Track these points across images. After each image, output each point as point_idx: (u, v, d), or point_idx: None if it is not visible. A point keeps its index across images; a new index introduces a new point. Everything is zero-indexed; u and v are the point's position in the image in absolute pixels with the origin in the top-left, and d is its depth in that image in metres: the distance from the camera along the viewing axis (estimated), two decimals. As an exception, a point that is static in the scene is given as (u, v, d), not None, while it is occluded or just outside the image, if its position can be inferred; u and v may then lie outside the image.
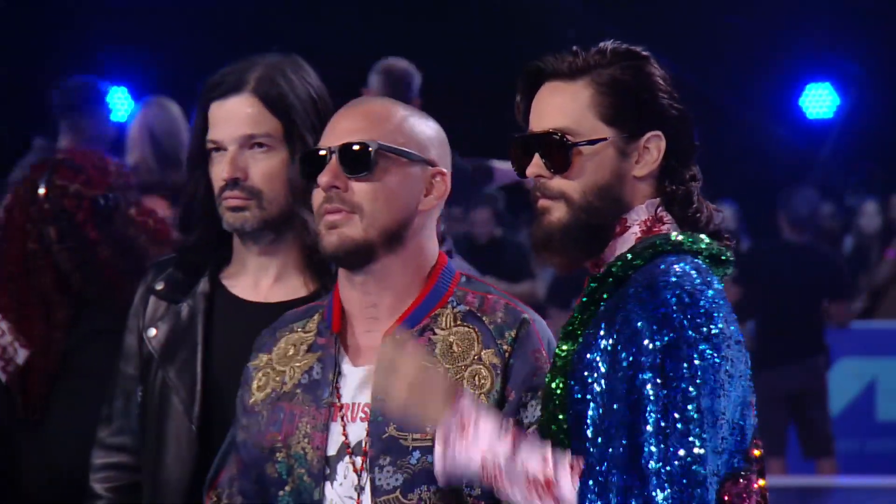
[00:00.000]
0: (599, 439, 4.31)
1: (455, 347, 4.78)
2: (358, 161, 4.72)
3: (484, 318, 4.81)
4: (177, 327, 5.46)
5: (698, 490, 4.22)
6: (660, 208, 4.52)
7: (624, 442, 4.25)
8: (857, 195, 20.50)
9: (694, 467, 4.23)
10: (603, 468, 4.28)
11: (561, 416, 4.44)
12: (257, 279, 5.46)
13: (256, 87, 5.31)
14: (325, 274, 5.28)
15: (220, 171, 5.29)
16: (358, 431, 4.74)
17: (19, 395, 6.59)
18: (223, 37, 18.76)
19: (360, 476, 4.72)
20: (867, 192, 21.20)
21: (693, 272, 4.36)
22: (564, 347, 4.47)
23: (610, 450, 4.27)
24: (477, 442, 4.52)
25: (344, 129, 4.82)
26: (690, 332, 4.27)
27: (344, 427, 4.76)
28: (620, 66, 4.51)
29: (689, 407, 4.22)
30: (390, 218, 4.77)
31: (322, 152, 4.76)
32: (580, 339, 4.44)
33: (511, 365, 4.75)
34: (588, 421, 4.37)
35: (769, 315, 16.50)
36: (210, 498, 5.08)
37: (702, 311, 4.30)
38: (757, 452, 4.46)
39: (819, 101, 22.57)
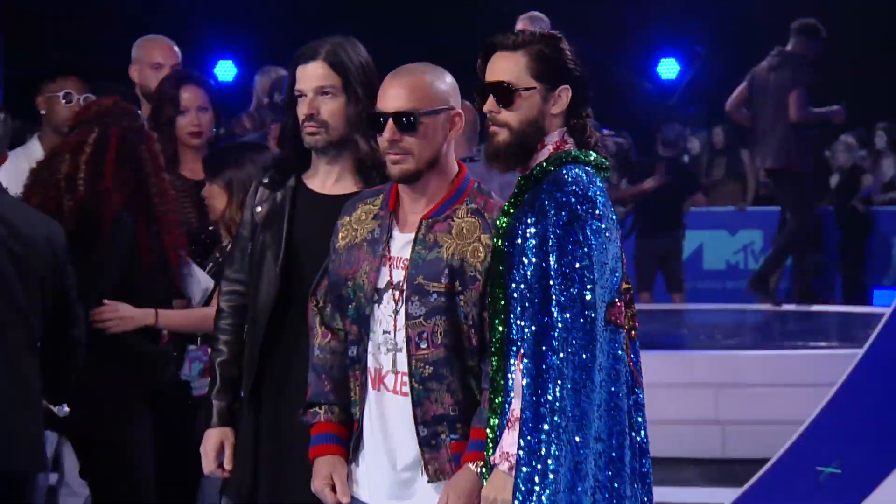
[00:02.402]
0: (525, 281, 4.74)
1: (465, 231, 4.96)
2: (407, 124, 4.92)
3: (485, 214, 4.98)
4: (273, 207, 5.54)
5: (590, 311, 4.66)
6: (565, 134, 4.89)
7: (537, 285, 4.71)
8: (689, 128, 20.26)
9: (587, 297, 4.67)
10: (526, 297, 4.73)
11: (501, 267, 4.81)
12: (324, 179, 5.54)
13: (325, 56, 5.43)
14: (368, 177, 5.45)
15: (302, 109, 5.43)
16: (399, 275, 4.96)
17: None
18: (306, 16, 18.15)
19: (396, 304, 4.95)
20: (694, 126, 21.23)
21: (583, 175, 4.78)
22: (504, 220, 4.85)
23: (527, 294, 4.73)
24: None
25: (394, 96, 4.98)
26: (582, 213, 4.70)
27: (390, 271, 4.99)
28: (545, 43, 4.89)
29: (584, 259, 4.67)
30: (430, 153, 4.95)
31: (381, 116, 4.96)
32: (512, 215, 4.84)
33: (494, 246, 4.92)
34: (513, 273, 4.77)
35: (651, 203, 17.15)
36: (312, 301, 5.24)
37: (589, 199, 4.73)
38: (626, 285, 4.89)
39: (669, 68, 22.85)
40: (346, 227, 5.10)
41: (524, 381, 4.62)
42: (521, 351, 4.67)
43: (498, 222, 4.83)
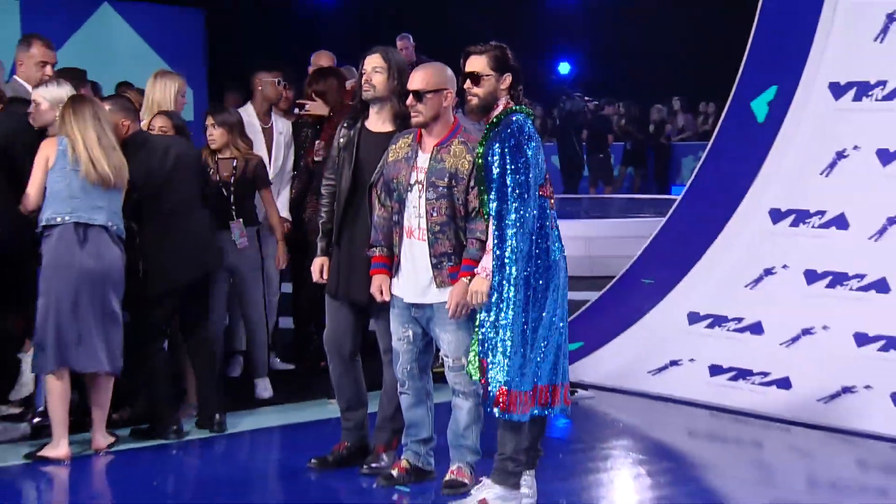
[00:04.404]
0: (494, 178, 4.59)
1: (457, 153, 4.80)
2: (419, 97, 4.78)
3: (469, 144, 4.80)
4: (349, 139, 5.23)
5: (528, 192, 4.57)
6: (509, 99, 4.71)
7: (500, 181, 4.57)
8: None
9: (529, 182, 4.57)
10: (494, 193, 4.59)
11: (483, 173, 4.64)
12: (375, 122, 5.22)
13: (380, 52, 5.19)
14: (399, 123, 5.14)
15: (364, 79, 5.19)
16: (421, 176, 4.83)
17: None
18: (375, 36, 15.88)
19: (420, 192, 4.83)
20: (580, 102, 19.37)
21: (521, 119, 4.65)
22: (480, 147, 4.70)
23: (496, 184, 4.59)
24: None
25: (414, 81, 4.85)
26: (522, 139, 4.59)
27: (416, 175, 4.84)
28: (498, 49, 4.72)
29: (524, 164, 4.57)
30: (432, 113, 4.80)
31: (410, 92, 4.83)
32: (484, 144, 4.67)
33: (474, 162, 4.76)
34: (489, 175, 4.60)
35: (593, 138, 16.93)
36: (374, 191, 5.07)
37: (526, 132, 4.61)
38: (546, 177, 4.70)
39: (565, 68, 21.48)
40: (394, 150, 4.95)
41: (494, 230, 4.58)
42: (492, 214, 4.59)
43: (478, 149, 4.68)
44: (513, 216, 4.54)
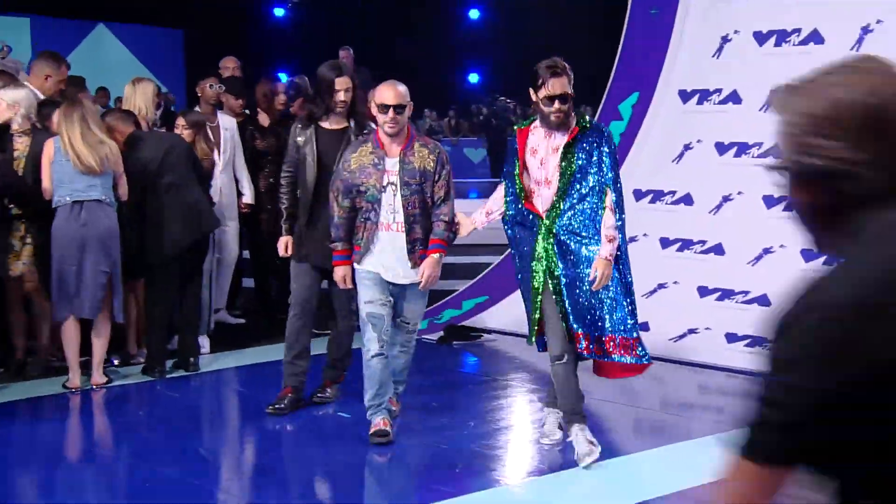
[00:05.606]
0: (608, 173, 4.26)
1: (420, 155, 4.55)
2: (399, 110, 4.47)
3: (429, 146, 4.59)
4: (306, 137, 5.01)
5: (623, 189, 4.35)
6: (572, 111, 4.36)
7: (614, 175, 4.26)
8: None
9: (620, 184, 4.31)
10: (608, 170, 4.27)
11: (581, 170, 4.27)
12: (331, 122, 5.02)
13: (347, 75, 5.02)
14: (358, 122, 5.02)
15: (339, 97, 4.98)
16: (394, 178, 4.54)
17: None
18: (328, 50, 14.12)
19: (394, 192, 4.54)
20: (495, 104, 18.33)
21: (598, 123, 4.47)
22: (568, 146, 4.29)
23: (611, 177, 4.26)
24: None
25: (393, 97, 4.51)
26: (612, 135, 4.44)
27: (388, 177, 4.54)
28: (570, 71, 4.34)
29: (615, 159, 4.32)
30: (405, 122, 4.53)
31: (388, 107, 4.50)
32: (575, 145, 4.28)
33: (437, 160, 4.57)
34: (593, 170, 4.27)
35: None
36: (333, 192, 4.68)
37: (610, 132, 4.42)
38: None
39: (473, 79, 20.46)
40: (354, 157, 4.58)
41: (615, 203, 4.28)
42: (608, 192, 4.25)
43: (562, 147, 4.31)
44: (620, 201, 4.32)
